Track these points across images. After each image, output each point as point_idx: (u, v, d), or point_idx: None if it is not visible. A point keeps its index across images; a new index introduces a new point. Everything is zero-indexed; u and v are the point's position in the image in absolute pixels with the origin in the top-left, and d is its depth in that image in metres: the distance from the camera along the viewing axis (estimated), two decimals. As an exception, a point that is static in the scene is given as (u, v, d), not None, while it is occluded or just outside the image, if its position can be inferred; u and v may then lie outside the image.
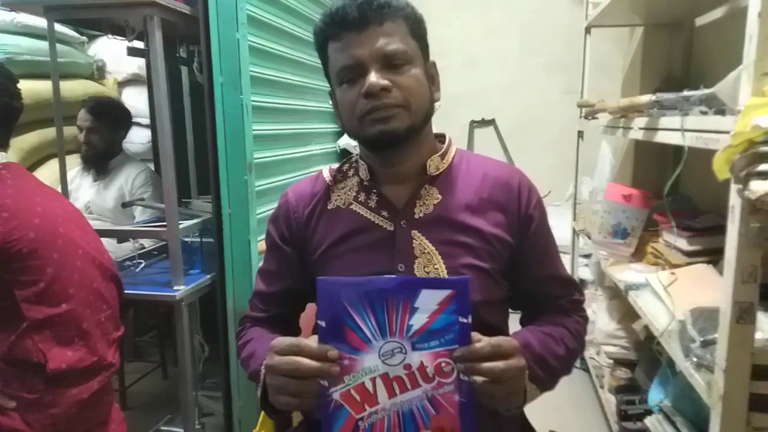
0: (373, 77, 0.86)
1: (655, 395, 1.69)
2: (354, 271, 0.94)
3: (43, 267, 1.25)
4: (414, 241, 0.94)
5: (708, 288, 1.40)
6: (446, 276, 0.91)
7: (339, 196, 1.01)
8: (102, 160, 2.49)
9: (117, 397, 2.41)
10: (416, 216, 0.95)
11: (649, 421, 1.59)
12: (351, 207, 0.99)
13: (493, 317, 0.95)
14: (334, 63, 0.92)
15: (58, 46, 2.82)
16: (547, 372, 0.90)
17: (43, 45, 2.73)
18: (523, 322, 1.05)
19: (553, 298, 1.01)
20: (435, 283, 0.78)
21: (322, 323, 0.77)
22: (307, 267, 1.02)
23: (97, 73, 3.37)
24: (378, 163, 0.98)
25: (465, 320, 0.75)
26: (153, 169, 2.69)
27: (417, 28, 0.94)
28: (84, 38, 3.26)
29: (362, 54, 0.87)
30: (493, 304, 0.95)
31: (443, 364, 0.76)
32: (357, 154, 1.05)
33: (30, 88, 2.57)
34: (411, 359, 0.76)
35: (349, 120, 0.93)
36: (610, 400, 2.10)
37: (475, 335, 0.76)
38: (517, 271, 0.98)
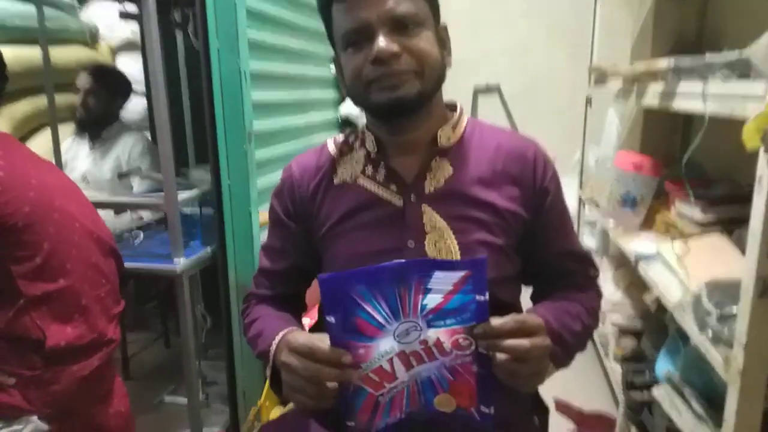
0: (382, 42, 0.80)
1: (663, 365, 1.68)
2: (361, 248, 0.90)
3: (40, 242, 1.21)
4: (424, 216, 0.89)
5: (723, 260, 1.37)
6: (458, 252, 0.87)
7: (345, 169, 0.96)
8: (97, 125, 2.43)
9: (119, 367, 2.42)
10: (426, 190, 0.90)
11: (656, 391, 1.58)
12: (358, 181, 0.94)
13: (506, 294, 0.92)
14: (339, 25, 0.86)
15: (49, 10, 2.74)
16: (564, 349, 0.87)
17: (33, 9, 2.64)
18: (535, 298, 1.02)
19: (567, 273, 0.97)
20: (449, 265, 0.73)
21: (332, 319, 0.72)
22: (312, 243, 0.98)
23: (90, 39, 3.27)
24: (386, 132, 0.93)
25: (482, 298, 0.72)
26: (150, 138, 2.63)
27: None
28: (75, 2, 3.16)
29: (369, 16, 0.81)
30: (506, 281, 0.92)
31: (461, 339, 0.73)
32: (363, 125, 0.99)
33: (21, 55, 2.50)
34: (427, 335, 0.73)
35: (355, 87, 0.87)
36: (616, 370, 2.09)
37: (492, 318, 0.73)
38: (531, 246, 0.94)
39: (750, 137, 0.82)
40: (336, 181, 0.96)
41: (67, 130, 2.59)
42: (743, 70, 1.06)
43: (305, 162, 1.00)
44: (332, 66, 2.30)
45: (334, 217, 0.94)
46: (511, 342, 0.72)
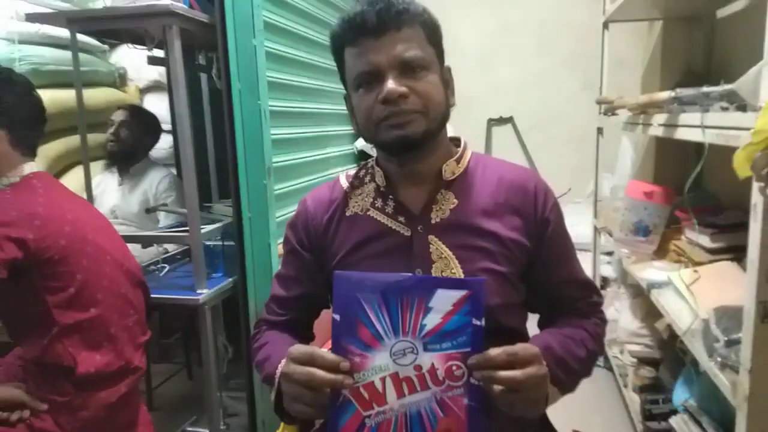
0: (391, 84, 0.87)
1: (680, 395, 1.67)
2: None
3: (73, 273, 1.28)
4: (431, 246, 0.94)
5: (732, 286, 1.38)
6: (464, 280, 0.92)
7: (356, 202, 1.02)
8: (125, 161, 2.53)
9: (144, 398, 2.47)
10: (433, 221, 0.95)
11: (674, 420, 1.57)
12: (368, 213, 0.99)
13: (511, 321, 0.96)
14: (351, 68, 0.93)
15: (81, 55, 2.89)
16: (568, 374, 0.90)
17: (67, 54, 2.79)
18: (541, 325, 1.05)
19: (571, 300, 1.00)
20: (451, 283, 0.78)
21: (337, 317, 0.78)
22: (324, 273, 1.03)
23: (119, 80, 3.43)
24: (394, 167, 0.99)
25: (478, 323, 0.75)
26: (176, 173, 2.74)
27: (434, 34, 0.94)
28: (106, 47, 3.33)
29: (380, 60, 0.88)
30: (511, 308, 0.96)
31: (454, 368, 0.76)
32: (373, 159, 1.05)
33: (55, 97, 2.64)
34: (422, 360, 0.76)
35: (366, 125, 0.93)
36: (634, 400, 2.08)
37: (491, 350, 0.76)
38: (535, 275, 0.98)
39: (740, 166, 0.86)
40: (348, 213, 1.02)
41: (96, 168, 2.71)
42: (740, 101, 1.10)
43: (319, 196, 1.06)
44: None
45: (345, 247, 0.99)
46: (504, 374, 0.75)
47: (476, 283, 0.76)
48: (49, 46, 2.76)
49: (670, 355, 2.06)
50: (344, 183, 1.06)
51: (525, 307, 1.02)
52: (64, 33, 2.62)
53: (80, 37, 2.77)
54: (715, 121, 1.15)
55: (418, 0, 0.94)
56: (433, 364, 0.76)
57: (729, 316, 1.18)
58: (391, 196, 0.99)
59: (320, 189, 1.08)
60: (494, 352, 0.76)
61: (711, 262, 1.58)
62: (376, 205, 1.00)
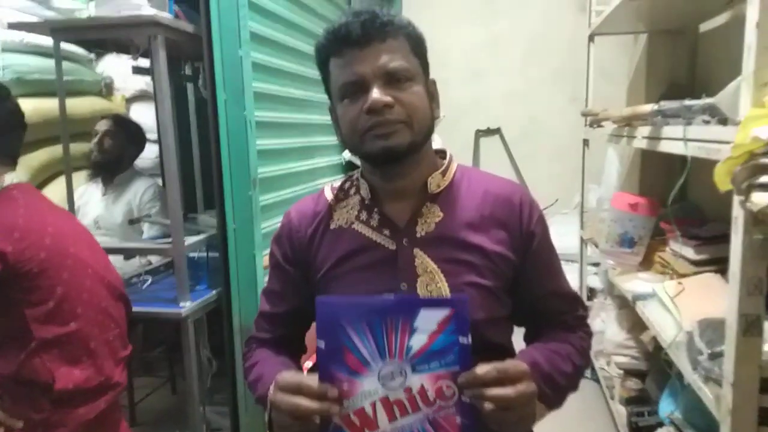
0: (376, 93, 0.87)
1: (666, 407, 1.68)
2: (356, 290, 0.94)
3: (53, 286, 1.26)
4: (416, 259, 0.93)
5: (715, 298, 1.38)
6: (449, 294, 0.91)
7: (341, 215, 1.01)
8: (110, 171, 2.51)
9: (126, 413, 2.42)
10: (418, 234, 0.95)
11: (659, 433, 1.58)
12: (353, 226, 0.98)
13: (497, 335, 0.95)
14: (336, 79, 0.92)
15: (66, 64, 2.87)
16: (555, 390, 0.89)
17: (52, 63, 2.74)
18: (527, 339, 1.05)
19: (557, 314, 1.00)
20: (434, 303, 0.77)
21: (321, 344, 0.76)
22: (311, 286, 1.02)
23: (105, 89, 3.41)
24: (379, 179, 0.98)
25: (465, 340, 0.74)
26: (161, 183, 2.71)
27: (418, 46, 0.94)
28: (92, 55, 3.30)
29: (364, 70, 0.88)
30: (496, 322, 0.95)
31: (444, 387, 0.75)
32: (358, 171, 1.05)
33: (38, 107, 2.61)
34: (411, 382, 0.75)
35: (350, 136, 0.93)
36: (621, 412, 2.08)
37: (478, 365, 0.76)
38: (520, 288, 0.97)
39: (721, 180, 0.86)
40: (332, 226, 1.01)
41: (81, 178, 2.68)
42: (722, 115, 1.12)
43: (303, 208, 1.05)
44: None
45: (330, 261, 0.98)
46: (495, 391, 0.74)
47: (459, 300, 0.76)
48: (34, 55, 2.73)
49: (656, 367, 2.06)
50: (329, 195, 1.05)
51: (511, 322, 1.01)
52: (49, 42, 2.60)
53: (66, 45, 2.75)
54: (697, 134, 1.16)
55: (405, 15, 0.94)
56: (422, 385, 0.75)
57: (712, 328, 1.18)
58: (376, 209, 0.98)
59: (304, 201, 1.07)
60: (484, 369, 0.75)
61: (695, 273, 1.59)
62: (361, 218, 0.99)
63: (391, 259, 0.94)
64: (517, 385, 0.75)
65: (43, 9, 2.60)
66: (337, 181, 1.08)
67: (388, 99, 0.87)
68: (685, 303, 1.42)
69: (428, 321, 0.74)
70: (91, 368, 1.31)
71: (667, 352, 1.39)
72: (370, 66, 0.88)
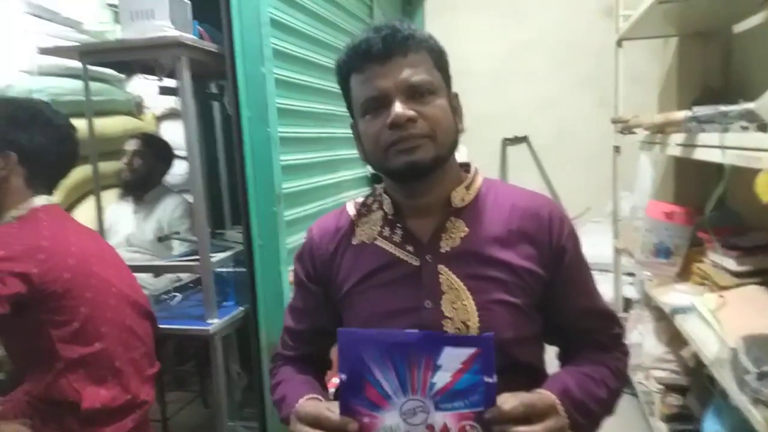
0: (399, 107, 0.85)
1: (710, 426, 1.59)
2: (380, 307, 0.92)
3: (77, 306, 1.27)
4: (441, 276, 0.91)
5: (761, 312, 1.31)
6: (475, 312, 0.88)
7: (363, 230, 0.99)
8: (140, 187, 2.55)
9: (159, 428, 2.44)
10: (442, 250, 0.92)
11: (704, 454, 1.50)
12: (376, 242, 0.96)
13: (526, 355, 0.91)
14: (358, 94, 0.91)
15: (99, 84, 2.96)
16: (588, 418, 0.85)
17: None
18: (561, 358, 1.00)
19: (590, 332, 0.96)
20: (458, 340, 0.74)
21: (343, 377, 0.75)
22: (334, 304, 1.00)
23: (136, 108, 3.49)
24: (402, 195, 0.96)
25: (490, 380, 0.71)
26: (191, 200, 2.74)
27: (440, 60, 0.93)
28: (123, 76, 3.38)
29: (387, 85, 0.86)
30: (526, 341, 0.91)
31: (468, 428, 0.72)
32: (382, 186, 1.03)
33: (73, 127, 2.69)
34: (434, 419, 0.73)
35: (373, 151, 0.91)
36: (662, 429, 1.99)
37: (503, 397, 0.72)
38: (552, 306, 0.93)
39: (763, 190, 0.81)
40: (354, 242, 0.99)
41: (113, 196, 2.74)
42: (761, 120, 1.06)
43: (325, 225, 1.04)
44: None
45: (352, 278, 0.96)
46: (522, 429, 0.71)
47: (485, 339, 0.72)
48: (68, 77, 2.81)
49: (698, 383, 1.97)
50: (351, 211, 1.03)
51: (541, 340, 0.97)
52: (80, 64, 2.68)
53: (98, 67, 2.83)
54: (734, 142, 1.11)
55: (428, 25, 0.92)
56: (445, 423, 0.73)
57: (759, 345, 1.12)
58: (399, 225, 0.96)
59: (326, 217, 1.06)
60: (510, 404, 0.72)
61: (737, 286, 1.51)
62: (384, 233, 0.97)
63: (414, 275, 0.92)
64: (546, 421, 0.73)
65: (75, 33, 2.68)
66: (360, 197, 1.07)
67: (411, 113, 0.85)
68: (728, 317, 1.35)
69: (452, 359, 0.72)
70: (117, 387, 1.31)
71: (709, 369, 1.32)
72: (392, 80, 0.86)
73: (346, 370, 0.74)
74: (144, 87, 3.53)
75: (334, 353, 1.10)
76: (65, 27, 2.68)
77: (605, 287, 2.83)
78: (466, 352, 0.71)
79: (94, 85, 2.94)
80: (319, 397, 0.90)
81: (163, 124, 3.63)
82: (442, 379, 0.72)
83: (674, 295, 1.73)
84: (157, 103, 3.60)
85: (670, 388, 2.13)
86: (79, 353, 1.27)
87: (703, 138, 1.30)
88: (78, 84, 2.79)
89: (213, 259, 1.71)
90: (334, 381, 1.33)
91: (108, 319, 1.32)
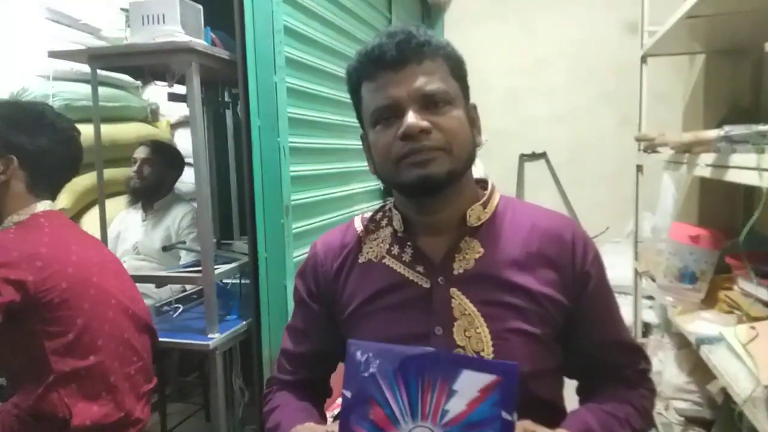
0: (412, 118, 0.79)
1: (737, 465, 1.49)
2: (386, 332, 0.85)
3: (74, 317, 1.22)
4: (453, 300, 0.84)
5: (797, 347, 1.22)
6: (489, 342, 0.81)
7: (371, 248, 0.93)
8: (149, 195, 2.52)
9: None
10: (455, 272, 0.85)
11: (731, 496, 1.40)
12: (384, 261, 0.90)
13: (544, 390, 0.84)
14: (368, 103, 0.86)
15: (114, 91, 2.95)
16: None
17: (101, 91, 2.82)
18: (581, 393, 0.93)
19: (615, 367, 0.88)
20: (479, 365, 0.67)
21: (348, 393, 0.68)
22: (336, 326, 0.94)
23: (151, 115, 3.48)
24: (414, 211, 0.89)
25: (509, 417, 0.64)
26: (200, 208, 2.71)
27: (458, 68, 0.87)
28: (138, 83, 3.38)
29: (399, 94, 0.81)
30: (544, 375, 0.84)
31: None
32: (391, 201, 0.97)
33: (84, 132, 2.66)
34: None
35: (384, 164, 0.85)
36: (683, 465, 1.88)
37: (519, 427, 0.65)
38: (573, 337, 0.86)
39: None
40: (361, 260, 0.93)
41: (124, 203, 2.72)
42: (803, 141, 0.98)
43: (330, 240, 0.98)
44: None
45: (357, 298, 0.90)
46: None
47: (508, 367, 0.65)
48: (84, 82, 2.81)
49: (724, 416, 1.86)
50: (359, 226, 0.97)
51: (561, 373, 0.90)
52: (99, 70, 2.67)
53: (114, 74, 2.83)
54: (774, 163, 1.03)
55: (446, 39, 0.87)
56: None
57: (798, 385, 1.02)
58: (409, 243, 0.89)
59: (332, 232, 1.00)
60: None
61: (769, 316, 1.42)
62: (393, 252, 0.90)
63: (424, 298, 0.85)
64: None
65: (94, 39, 2.68)
66: (369, 211, 1.00)
67: (424, 124, 0.79)
68: (760, 351, 1.25)
69: (470, 385, 0.65)
70: (110, 404, 1.25)
71: (736, 402, 1.23)
72: (406, 89, 0.80)
73: (353, 386, 0.68)
74: (159, 94, 3.53)
75: (335, 380, 1.03)
76: (84, 33, 2.68)
77: (624, 311, 2.73)
78: (485, 379, 0.65)
79: (108, 91, 2.96)
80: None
81: (177, 131, 3.62)
82: (456, 406, 0.65)
83: (700, 324, 1.63)
84: (173, 111, 3.59)
85: (691, 420, 2.02)
86: (72, 366, 1.21)
87: (736, 159, 1.22)
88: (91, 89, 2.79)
89: (216, 271, 1.65)
90: (338, 401, 1.26)
91: (105, 331, 1.27)
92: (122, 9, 1.74)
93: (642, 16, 2.51)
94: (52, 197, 1.38)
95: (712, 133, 1.33)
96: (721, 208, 2.29)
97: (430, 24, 3.51)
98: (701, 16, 1.68)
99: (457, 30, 3.52)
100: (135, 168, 2.45)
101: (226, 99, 2.36)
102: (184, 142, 3.26)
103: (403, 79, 0.81)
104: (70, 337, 1.22)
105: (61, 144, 1.34)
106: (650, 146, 2.09)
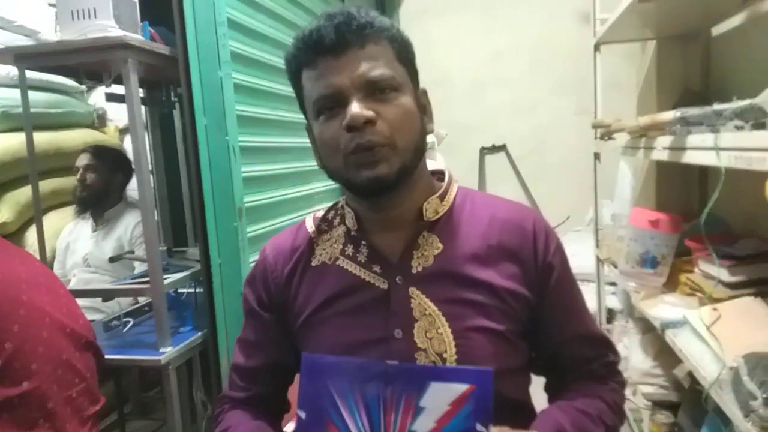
0: (356, 107, 0.73)
1: (706, 447, 1.49)
2: (343, 339, 0.79)
3: (1, 343, 1.11)
4: (413, 300, 0.79)
5: (759, 326, 1.22)
6: (452, 342, 0.76)
7: (324, 249, 0.87)
8: (97, 204, 2.40)
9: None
10: (414, 270, 0.80)
11: (700, 478, 1.39)
12: (337, 263, 0.84)
13: (511, 389, 0.79)
14: (310, 93, 0.79)
15: (56, 96, 2.80)
16: None
17: (41, 96, 2.67)
18: (549, 390, 0.89)
19: (583, 361, 0.84)
20: (449, 374, 0.61)
21: (302, 414, 0.62)
22: (290, 336, 0.87)
23: (98, 121, 3.32)
24: (366, 208, 0.84)
25: (484, 430, 0.58)
26: (156, 216, 2.59)
27: (404, 52, 0.81)
28: (83, 87, 3.22)
29: (342, 81, 0.75)
30: (510, 373, 0.79)
31: None
32: (343, 198, 0.91)
33: (20, 140, 2.51)
34: None
35: (332, 158, 0.79)
36: (652, 449, 1.89)
37: None
38: (539, 331, 0.82)
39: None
40: (314, 263, 0.87)
41: (69, 215, 2.57)
42: (758, 119, 0.97)
43: (280, 243, 0.91)
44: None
45: (311, 304, 0.84)
46: None
47: (482, 374, 0.60)
48: (31, 89, 2.64)
49: (689, 399, 1.87)
50: (310, 227, 0.91)
51: (527, 371, 0.86)
52: (39, 75, 2.51)
53: (56, 77, 2.67)
54: (730, 143, 1.01)
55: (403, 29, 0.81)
56: None
57: (763, 366, 1.01)
58: (363, 242, 0.84)
59: (282, 235, 0.93)
60: None
61: (731, 297, 1.42)
62: (347, 252, 0.85)
63: (382, 300, 0.79)
64: None
65: (31, 41, 2.52)
66: (321, 210, 0.94)
67: (369, 113, 0.73)
68: (724, 333, 1.25)
69: (439, 398, 0.59)
70: (49, 431, 1.15)
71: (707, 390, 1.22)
72: (348, 76, 0.74)
73: (307, 406, 0.61)
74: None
75: (291, 394, 0.97)
76: (20, 35, 2.52)
77: (587, 297, 2.74)
78: (456, 389, 0.59)
79: (50, 97, 2.80)
80: None
81: (127, 137, 3.47)
82: (424, 425, 0.59)
83: (663, 308, 1.63)
84: (122, 115, 3.44)
85: (659, 404, 2.03)
86: (3, 395, 1.09)
87: (693, 140, 1.21)
88: (36, 96, 2.63)
89: (166, 281, 1.56)
90: (289, 428, 1.20)
91: (39, 354, 1.16)
92: (50, 4, 1.62)
93: (594, 4, 2.52)
94: None
95: (668, 115, 1.32)
96: (678, 193, 2.31)
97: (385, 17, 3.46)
98: (651, 1, 1.68)
99: (413, 23, 3.47)
100: (78, 176, 2.32)
101: (173, 98, 2.24)
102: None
103: (345, 65, 0.75)
104: (-1, 364, 1.11)
105: None
106: (607, 133, 2.09)
